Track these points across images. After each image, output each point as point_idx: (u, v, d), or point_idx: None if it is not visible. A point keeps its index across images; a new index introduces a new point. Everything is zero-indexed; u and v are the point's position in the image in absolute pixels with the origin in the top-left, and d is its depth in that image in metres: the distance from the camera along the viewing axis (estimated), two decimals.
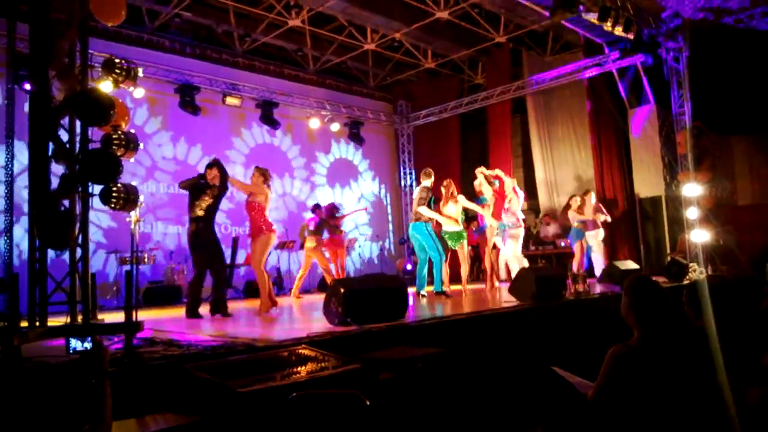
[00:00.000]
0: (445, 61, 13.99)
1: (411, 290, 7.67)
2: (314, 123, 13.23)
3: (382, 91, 15.45)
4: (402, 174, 15.51)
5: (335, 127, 13.65)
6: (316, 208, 10.37)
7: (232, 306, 7.35)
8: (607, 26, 9.34)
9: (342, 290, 5.01)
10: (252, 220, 7.05)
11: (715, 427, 2.44)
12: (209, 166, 6.97)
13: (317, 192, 13.67)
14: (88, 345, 3.55)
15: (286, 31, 11.95)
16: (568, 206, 10.68)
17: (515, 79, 13.34)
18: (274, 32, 11.90)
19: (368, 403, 2.67)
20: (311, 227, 9.98)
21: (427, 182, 8.29)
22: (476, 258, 12.88)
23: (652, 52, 10.55)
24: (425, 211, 8.02)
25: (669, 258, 10.26)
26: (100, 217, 9.95)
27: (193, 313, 6.69)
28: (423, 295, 8.06)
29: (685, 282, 8.90)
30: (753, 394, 2.34)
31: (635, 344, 2.67)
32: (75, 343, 3.64)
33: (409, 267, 14.22)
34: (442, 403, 3.81)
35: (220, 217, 11.34)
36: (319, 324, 5.25)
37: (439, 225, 8.52)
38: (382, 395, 3.34)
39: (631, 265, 9.16)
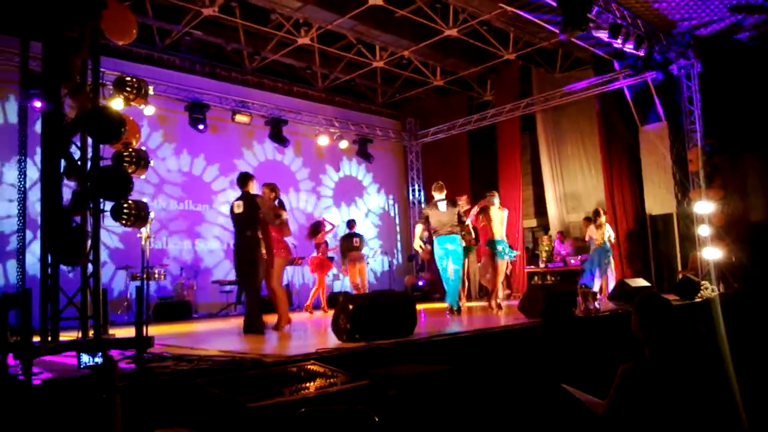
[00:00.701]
0: (453, 79, 14.05)
1: (420, 307, 7.69)
2: (323, 140, 13.29)
3: (391, 108, 15.52)
4: (411, 191, 15.52)
5: (344, 144, 13.70)
6: (353, 223, 10.55)
7: (239, 320, 7.34)
8: (618, 43, 9.35)
9: (350, 307, 5.01)
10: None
11: None
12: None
13: (325, 208, 13.71)
14: (98, 360, 3.57)
15: (295, 49, 12.06)
16: (596, 221, 10.29)
17: (524, 96, 13.37)
18: (283, 50, 12.01)
19: (376, 420, 2.66)
20: (357, 243, 10.36)
21: (443, 195, 8.43)
22: None
23: (663, 69, 10.53)
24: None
25: (680, 275, 10.18)
26: (110, 232, 10.01)
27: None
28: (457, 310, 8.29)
29: (697, 300, 8.82)
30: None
31: (645, 361, 2.65)
32: (86, 358, 3.66)
33: (420, 283, 14.20)
34: (451, 420, 3.78)
35: (220, 232, 11.46)
36: (328, 340, 5.24)
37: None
38: (390, 412, 3.33)
39: (641, 282, 9.09)
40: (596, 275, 10.20)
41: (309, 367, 3.72)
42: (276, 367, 3.79)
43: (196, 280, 10.86)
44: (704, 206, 10.22)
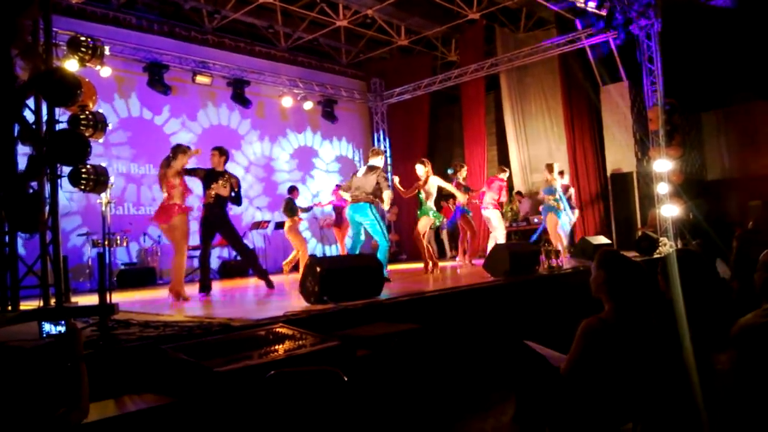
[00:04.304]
0: (418, 38, 13.91)
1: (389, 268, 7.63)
2: (287, 101, 13.07)
3: (355, 68, 15.31)
4: None
5: (308, 105, 13.51)
6: (293, 189, 10.34)
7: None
8: (580, 3, 9.37)
9: (318, 269, 5.02)
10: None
11: (682, 395, 2.51)
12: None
13: (289, 172, 13.60)
14: (61, 328, 3.52)
15: (257, 8, 11.75)
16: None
17: (489, 56, 13.33)
18: (244, 8, 11.69)
19: (346, 380, 2.70)
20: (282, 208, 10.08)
21: (378, 161, 7.65)
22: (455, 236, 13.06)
23: (624, 29, 10.59)
24: (388, 197, 7.33)
25: (640, 232, 10.44)
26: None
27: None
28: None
29: (656, 256, 9.08)
30: (723, 358, 2.42)
31: (607, 317, 2.72)
32: (48, 327, 3.60)
33: None
34: (419, 377, 3.86)
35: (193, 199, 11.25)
36: (296, 303, 5.26)
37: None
38: (360, 371, 3.37)
39: (602, 240, 9.30)
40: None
41: (277, 329, 3.73)
42: (244, 331, 3.79)
43: (161, 246, 10.72)
44: (663, 164, 10.43)
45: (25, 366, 2.49)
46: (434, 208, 8.67)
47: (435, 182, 8.58)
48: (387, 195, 7.32)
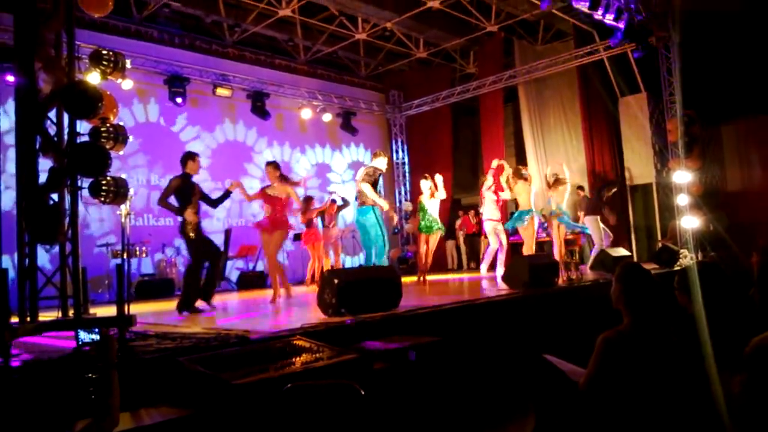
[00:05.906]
0: (436, 51, 13.93)
1: (406, 280, 7.58)
2: (306, 113, 13.16)
3: (374, 80, 15.37)
4: (395, 165, 15.46)
5: (327, 117, 13.58)
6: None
7: (226, 297, 7.34)
8: (598, 15, 9.33)
9: (335, 281, 5.01)
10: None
11: (704, 413, 2.45)
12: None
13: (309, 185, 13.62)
14: (94, 336, 3.53)
15: (277, 21, 11.86)
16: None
17: (507, 68, 13.32)
18: (264, 22, 11.81)
19: (363, 393, 2.68)
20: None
21: (378, 162, 7.58)
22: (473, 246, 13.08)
23: (642, 41, 10.52)
24: (367, 190, 7.16)
25: (660, 244, 10.31)
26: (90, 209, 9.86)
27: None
28: None
29: (676, 268, 8.95)
30: (735, 381, 2.35)
31: (626, 331, 2.68)
32: (84, 335, 3.61)
33: (407, 255, 14.26)
34: (437, 391, 3.82)
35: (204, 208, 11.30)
36: (314, 315, 5.25)
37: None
38: (377, 385, 3.35)
39: (622, 252, 9.19)
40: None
41: (295, 342, 3.72)
42: (261, 343, 3.79)
43: (179, 257, 10.80)
44: (683, 176, 10.30)
45: (43, 377, 2.51)
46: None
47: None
48: (365, 187, 7.19)
